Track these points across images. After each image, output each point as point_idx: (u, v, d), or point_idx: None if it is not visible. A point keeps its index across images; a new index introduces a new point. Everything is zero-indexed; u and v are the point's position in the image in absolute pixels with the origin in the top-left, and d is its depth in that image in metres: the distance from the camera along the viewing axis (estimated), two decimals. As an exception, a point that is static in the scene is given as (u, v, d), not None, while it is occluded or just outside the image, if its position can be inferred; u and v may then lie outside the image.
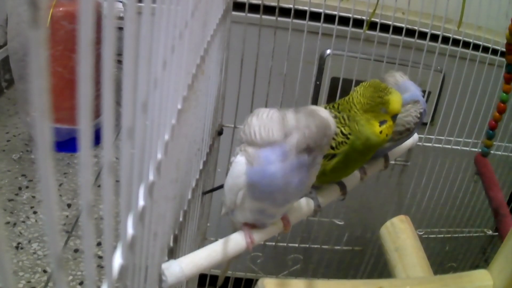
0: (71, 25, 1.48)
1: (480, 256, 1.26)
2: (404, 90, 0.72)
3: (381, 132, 0.64)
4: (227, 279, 1.12)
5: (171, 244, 0.51)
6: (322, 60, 0.98)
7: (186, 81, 0.43)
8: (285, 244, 1.09)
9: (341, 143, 0.64)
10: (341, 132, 0.64)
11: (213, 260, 0.54)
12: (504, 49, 0.88)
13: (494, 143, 1.05)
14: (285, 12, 0.88)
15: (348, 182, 0.73)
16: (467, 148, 1.04)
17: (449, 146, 1.03)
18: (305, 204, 0.68)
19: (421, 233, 1.12)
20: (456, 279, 0.58)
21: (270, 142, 0.53)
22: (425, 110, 0.74)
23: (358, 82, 0.83)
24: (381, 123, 0.64)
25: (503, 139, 1.06)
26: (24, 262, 1.21)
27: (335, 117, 0.66)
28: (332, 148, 0.65)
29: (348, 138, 0.64)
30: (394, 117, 0.65)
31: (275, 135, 0.53)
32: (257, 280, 0.55)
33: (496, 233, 1.12)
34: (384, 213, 1.04)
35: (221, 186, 0.75)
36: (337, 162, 0.66)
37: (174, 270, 0.49)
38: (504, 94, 0.90)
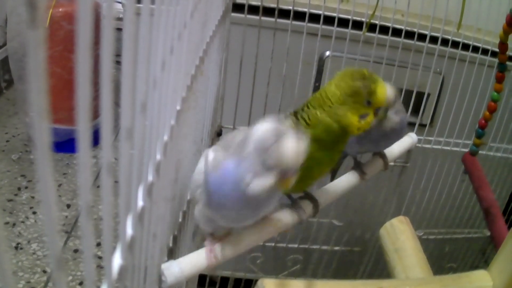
0: (71, 25, 1.48)
1: (479, 257, 1.26)
2: None
3: (359, 128, 0.55)
4: (226, 279, 1.12)
5: (171, 244, 0.51)
6: (321, 61, 0.98)
7: (185, 82, 0.43)
8: (284, 245, 1.09)
9: None
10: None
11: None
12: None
13: (493, 144, 1.05)
14: (284, 13, 0.88)
15: (347, 184, 0.72)
16: (466, 150, 1.04)
17: (448, 148, 1.03)
18: (286, 215, 0.61)
19: (421, 234, 1.12)
20: (455, 279, 0.58)
21: (240, 153, 0.44)
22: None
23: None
24: (362, 117, 0.54)
25: (503, 141, 1.06)
26: (23, 263, 1.21)
27: (293, 123, 0.57)
28: None
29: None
30: (377, 110, 0.55)
31: (246, 147, 0.44)
32: (256, 280, 0.55)
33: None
34: (383, 214, 1.04)
35: None
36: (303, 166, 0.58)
37: (174, 270, 0.49)
38: (495, 94, 0.90)
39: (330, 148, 0.57)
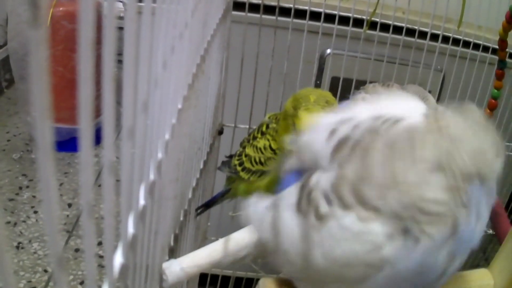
0: (71, 24, 1.49)
1: (480, 255, 1.26)
2: None
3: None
4: (227, 278, 1.12)
5: (172, 243, 0.51)
6: (322, 59, 0.98)
7: (186, 81, 0.43)
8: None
9: (270, 159, 0.58)
10: (270, 146, 0.58)
11: (213, 259, 0.54)
12: (504, 48, 0.88)
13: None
14: (285, 11, 0.88)
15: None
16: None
17: (450, 145, 1.03)
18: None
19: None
20: (456, 278, 0.58)
21: None
22: None
23: (358, 82, 0.83)
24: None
25: (503, 138, 1.06)
26: (24, 262, 1.21)
27: (265, 130, 0.59)
28: (261, 163, 0.58)
29: (276, 154, 0.57)
30: None
31: None
32: (258, 279, 0.55)
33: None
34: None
35: (214, 202, 0.72)
36: (271, 182, 0.58)
37: (175, 269, 0.49)
38: (495, 91, 0.90)
39: None
